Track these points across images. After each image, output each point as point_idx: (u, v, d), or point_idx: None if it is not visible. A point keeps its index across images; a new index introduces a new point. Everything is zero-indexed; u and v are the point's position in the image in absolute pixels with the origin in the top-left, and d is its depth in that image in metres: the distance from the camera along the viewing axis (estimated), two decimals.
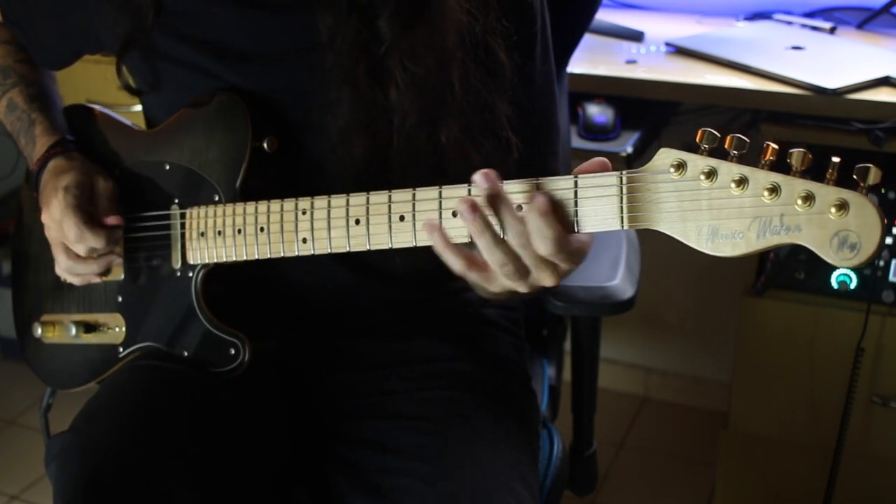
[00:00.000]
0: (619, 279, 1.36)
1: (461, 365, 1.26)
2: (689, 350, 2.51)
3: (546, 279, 0.95)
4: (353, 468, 1.17)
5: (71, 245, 1.19)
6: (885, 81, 1.70)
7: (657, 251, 2.02)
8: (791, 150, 0.82)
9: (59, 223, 1.18)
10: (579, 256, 0.94)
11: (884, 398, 1.82)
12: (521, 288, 0.97)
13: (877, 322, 1.77)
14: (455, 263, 0.96)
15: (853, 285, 1.80)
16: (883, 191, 1.75)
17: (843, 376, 1.80)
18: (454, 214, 0.97)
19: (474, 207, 0.91)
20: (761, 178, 0.83)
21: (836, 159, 0.81)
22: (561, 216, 0.92)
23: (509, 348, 1.33)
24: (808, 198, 0.81)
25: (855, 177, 0.80)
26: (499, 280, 0.97)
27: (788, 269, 1.83)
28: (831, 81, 1.67)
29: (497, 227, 0.93)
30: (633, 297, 1.34)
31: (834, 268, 1.80)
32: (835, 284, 1.81)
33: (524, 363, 1.36)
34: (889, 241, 1.76)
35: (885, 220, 0.79)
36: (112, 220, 1.20)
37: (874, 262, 1.75)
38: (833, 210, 0.80)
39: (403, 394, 1.23)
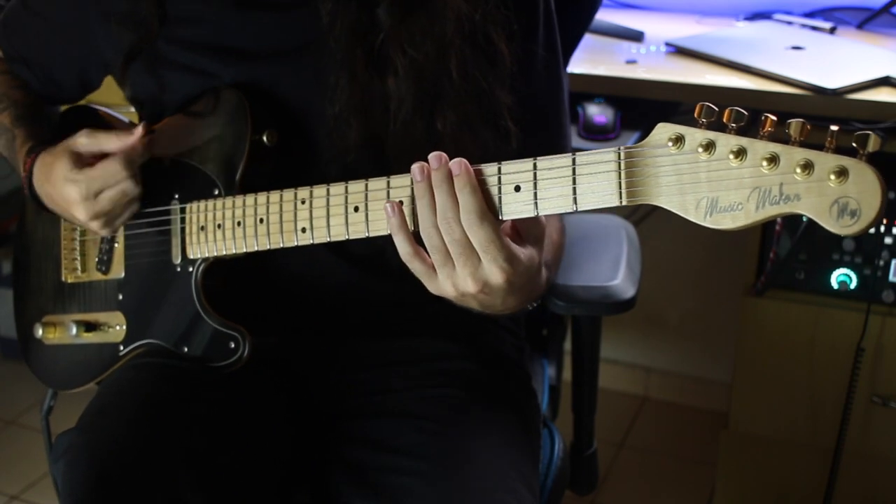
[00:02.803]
0: (620, 279, 1.36)
1: (461, 364, 1.26)
2: (689, 350, 2.51)
3: (467, 277, 0.95)
4: (353, 467, 1.17)
5: (121, 182, 1.13)
6: (885, 81, 1.70)
7: (658, 251, 2.02)
8: (789, 121, 0.82)
9: (86, 194, 1.14)
10: (506, 263, 0.94)
11: (884, 398, 1.82)
12: (449, 287, 0.97)
13: (877, 322, 1.77)
14: (404, 246, 0.97)
15: (853, 285, 1.80)
16: None
17: (843, 376, 1.80)
18: (400, 203, 0.99)
19: (423, 169, 0.95)
20: (760, 148, 0.82)
21: (834, 128, 0.81)
22: (490, 204, 0.94)
23: (509, 348, 1.33)
24: (807, 166, 0.80)
25: (854, 144, 0.79)
26: (438, 280, 0.97)
27: (788, 269, 1.83)
28: (831, 81, 1.67)
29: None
30: (634, 296, 1.34)
31: (834, 268, 1.80)
32: (835, 284, 1.81)
33: (524, 362, 1.36)
34: (889, 241, 1.76)
35: (886, 185, 0.78)
36: (139, 130, 1.14)
37: (874, 260, 1.76)
38: (832, 177, 0.79)
39: (404, 392, 1.23)
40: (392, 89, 1.11)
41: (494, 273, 0.95)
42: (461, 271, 0.95)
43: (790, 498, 1.97)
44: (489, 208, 0.94)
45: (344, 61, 1.11)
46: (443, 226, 0.94)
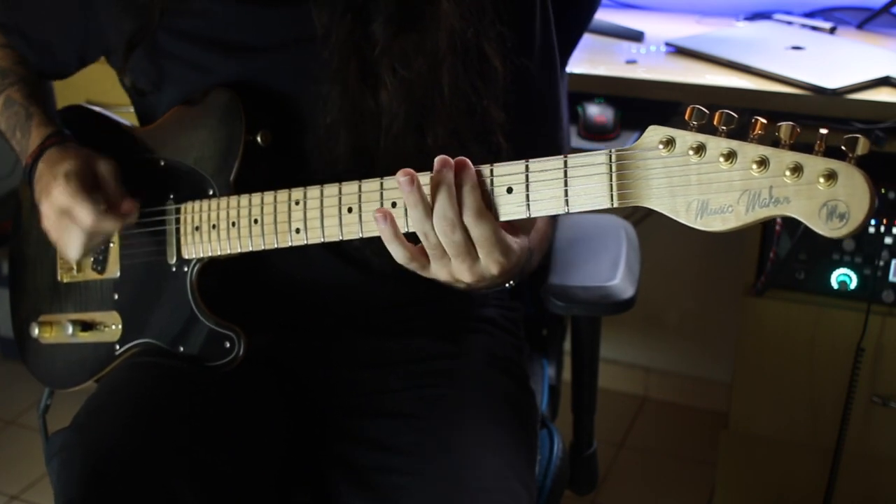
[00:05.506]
0: (619, 279, 1.36)
1: (459, 364, 1.26)
2: (689, 350, 2.51)
3: (464, 271, 0.96)
4: (351, 466, 1.17)
5: (84, 230, 1.15)
6: (885, 81, 1.70)
7: (657, 251, 2.02)
8: (779, 124, 0.82)
9: (63, 212, 1.14)
10: (502, 257, 0.95)
11: (884, 398, 1.82)
12: (444, 275, 0.98)
13: (877, 322, 1.77)
14: (400, 252, 0.98)
15: (853, 285, 1.80)
16: (883, 191, 1.75)
17: (843, 376, 1.79)
18: (393, 205, 0.99)
19: (412, 181, 0.94)
20: (749, 151, 0.83)
21: (823, 130, 0.81)
22: (489, 203, 0.94)
23: (508, 347, 1.33)
24: (797, 169, 0.80)
25: (843, 147, 0.80)
26: (431, 267, 0.98)
27: (788, 269, 1.83)
28: (831, 81, 1.67)
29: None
30: (634, 296, 1.34)
31: (834, 268, 1.80)
32: (835, 284, 1.81)
33: (523, 362, 1.36)
34: (889, 241, 1.76)
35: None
36: (127, 206, 1.17)
37: (874, 261, 1.75)
38: (821, 180, 0.79)
39: (401, 392, 1.23)
40: (384, 104, 1.11)
41: (491, 267, 0.96)
42: (458, 266, 0.97)
43: (790, 498, 1.97)
44: (488, 206, 0.95)
45: (336, 74, 1.12)
46: (441, 227, 0.95)
